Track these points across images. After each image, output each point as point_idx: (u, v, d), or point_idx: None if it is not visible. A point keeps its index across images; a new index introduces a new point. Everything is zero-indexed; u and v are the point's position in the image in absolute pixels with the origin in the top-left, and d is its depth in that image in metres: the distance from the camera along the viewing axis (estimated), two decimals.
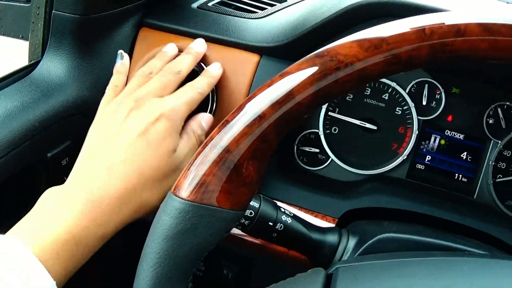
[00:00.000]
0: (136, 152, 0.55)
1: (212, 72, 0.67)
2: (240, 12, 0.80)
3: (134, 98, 0.59)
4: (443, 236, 0.58)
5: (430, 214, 0.71)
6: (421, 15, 0.41)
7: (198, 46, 0.68)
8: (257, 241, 0.68)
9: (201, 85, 0.64)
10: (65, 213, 0.50)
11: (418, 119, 0.77)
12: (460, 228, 0.68)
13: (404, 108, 0.77)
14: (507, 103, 0.75)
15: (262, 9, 0.81)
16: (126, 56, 0.69)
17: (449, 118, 0.78)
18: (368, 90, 0.78)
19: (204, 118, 0.65)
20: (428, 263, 0.43)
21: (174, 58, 0.68)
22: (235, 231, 0.55)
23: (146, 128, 0.56)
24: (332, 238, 0.58)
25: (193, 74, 0.69)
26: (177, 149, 0.59)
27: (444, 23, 0.40)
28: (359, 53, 0.40)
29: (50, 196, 0.52)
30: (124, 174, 0.54)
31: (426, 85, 0.77)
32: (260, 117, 0.41)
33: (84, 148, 0.58)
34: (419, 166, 0.79)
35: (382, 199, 0.72)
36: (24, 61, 0.73)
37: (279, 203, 0.58)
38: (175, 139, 0.58)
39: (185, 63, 0.65)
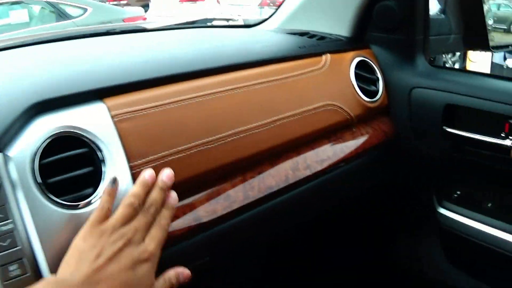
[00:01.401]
0: (125, 283, 0.59)
1: (173, 203, 0.71)
2: None
3: (124, 237, 0.62)
4: None
5: None
6: None
7: (169, 179, 0.73)
8: None
9: (167, 222, 0.70)
10: None
11: None
12: None
13: None
14: None
15: None
16: (117, 181, 0.70)
17: None
18: None
19: (181, 272, 0.71)
20: None
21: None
22: None
23: (135, 264, 0.60)
24: None
25: None
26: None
27: None
28: None
29: None
30: None
31: None
32: None
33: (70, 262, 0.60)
34: None
35: None
36: None
37: None
38: (153, 280, 0.64)
39: (160, 199, 0.69)
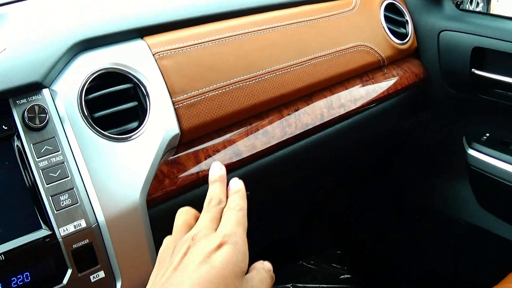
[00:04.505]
0: (202, 278, 0.51)
1: (238, 187, 0.63)
2: None
3: (190, 237, 0.56)
4: None
5: None
6: None
7: (220, 170, 0.66)
8: None
9: (237, 203, 0.61)
10: None
11: None
12: None
13: None
14: None
15: None
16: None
17: None
18: None
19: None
20: None
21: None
22: None
23: (208, 256, 0.52)
24: None
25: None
26: (248, 275, 0.54)
27: None
28: None
29: None
30: None
31: None
32: None
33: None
34: None
35: None
36: None
37: None
38: (242, 260, 0.53)
39: (221, 192, 0.63)
